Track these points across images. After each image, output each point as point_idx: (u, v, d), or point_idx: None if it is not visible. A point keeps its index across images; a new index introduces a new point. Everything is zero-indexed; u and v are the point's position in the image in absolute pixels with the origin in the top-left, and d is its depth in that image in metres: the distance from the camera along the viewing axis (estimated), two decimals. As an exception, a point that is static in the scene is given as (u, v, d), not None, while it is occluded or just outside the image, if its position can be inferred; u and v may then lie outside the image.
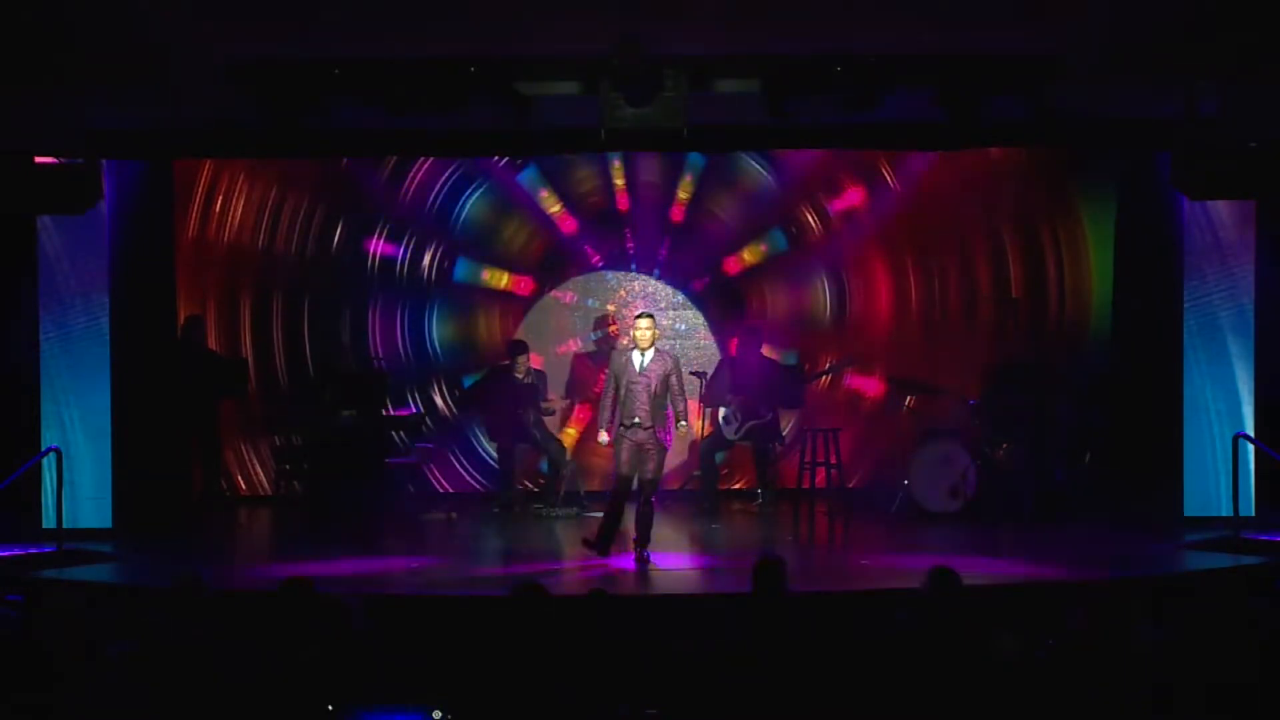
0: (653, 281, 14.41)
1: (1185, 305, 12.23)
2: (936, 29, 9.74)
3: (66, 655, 6.53)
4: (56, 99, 10.45)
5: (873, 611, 8.40)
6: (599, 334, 14.36)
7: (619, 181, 14.25)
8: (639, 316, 10.45)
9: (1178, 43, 9.63)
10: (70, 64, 9.77)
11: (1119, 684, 6.23)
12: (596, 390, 12.75)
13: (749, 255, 14.45)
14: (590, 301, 14.46)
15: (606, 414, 10.39)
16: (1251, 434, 11.93)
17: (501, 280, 14.35)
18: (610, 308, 14.43)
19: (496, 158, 13.87)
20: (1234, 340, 12.19)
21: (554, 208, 14.30)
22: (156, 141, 11.78)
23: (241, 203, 13.99)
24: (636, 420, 10.13)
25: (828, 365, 13.97)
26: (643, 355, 10.22)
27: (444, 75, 10.34)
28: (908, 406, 13.74)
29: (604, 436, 10.41)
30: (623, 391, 10.20)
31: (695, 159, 14.09)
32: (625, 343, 10.31)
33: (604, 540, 10.26)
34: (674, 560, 10.53)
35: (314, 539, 11.86)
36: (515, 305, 14.36)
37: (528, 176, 14.19)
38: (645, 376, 10.15)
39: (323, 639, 6.59)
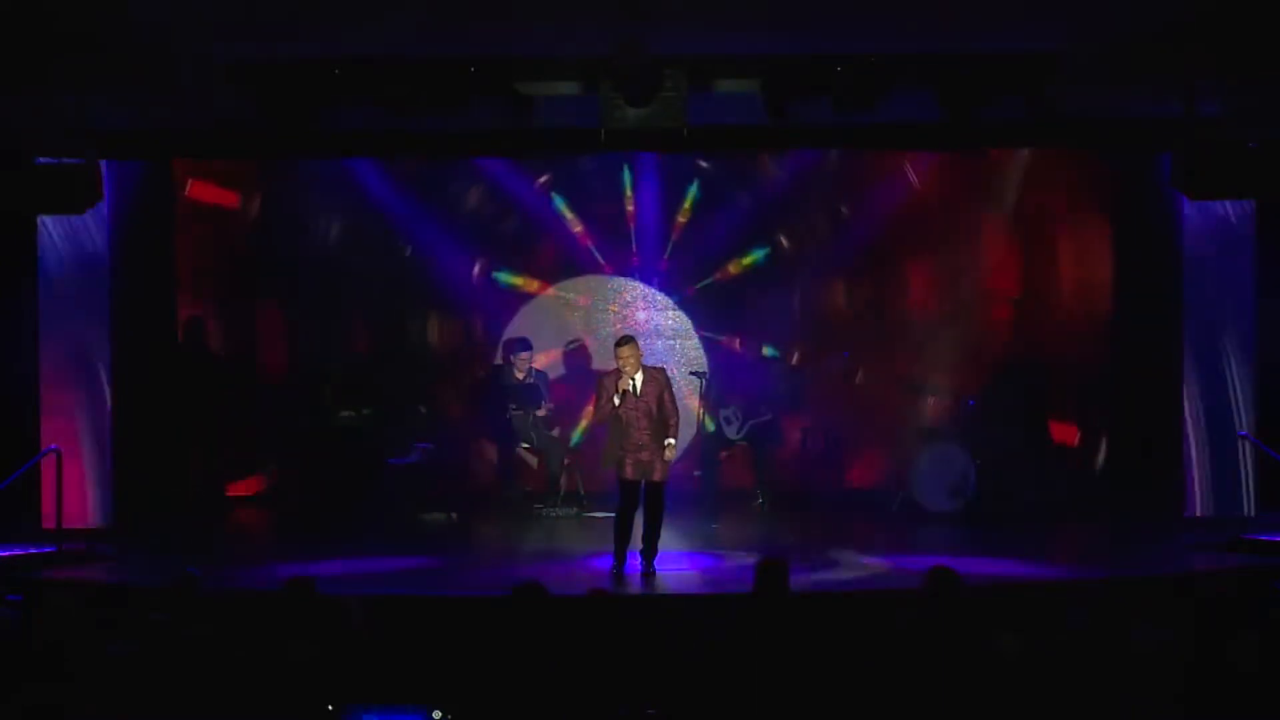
0: (654, 280, 14.38)
1: (1185, 306, 12.23)
2: (936, 29, 9.74)
3: (66, 655, 6.53)
4: (56, 99, 10.44)
5: (873, 612, 8.40)
6: (573, 344, 14.30)
7: (624, 182, 14.21)
8: (619, 344, 10.14)
9: (1178, 43, 9.63)
10: (70, 64, 9.77)
11: (1119, 684, 6.24)
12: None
13: (751, 255, 14.42)
14: (590, 302, 14.45)
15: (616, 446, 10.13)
16: (1251, 434, 11.93)
17: (505, 279, 14.34)
18: (612, 309, 14.41)
19: (501, 159, 13.83)
20: (1234, 340, 12.18)
21: (557, 208, 14.28)
22: (156, 141, 11.78)
23: (242, 203, 13.98)
24: (640, 443, 10.06)
25: (828, 363, 13.91)
26: (634, 380, 10.12)
27: (444, 75, 10.34)
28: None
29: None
30: (623, 416, 10.10)
31: (700, 159, 14.05)
32: (614, 365, 10.15)
33: (619, 554, 10.18)
34: (674, 560, 10.52)
35: (313, 539, 11.85)
36: (515, 304, 14.35)
37: (530, 178, 14.15)
38: (643, 400, 10.05)
39: (323, 639, 6.59)
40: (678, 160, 13.88)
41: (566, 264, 14.38)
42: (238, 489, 13.97)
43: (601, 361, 13.72)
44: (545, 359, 13.99)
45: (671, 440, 10.10)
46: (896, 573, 9.88)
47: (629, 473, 10.08)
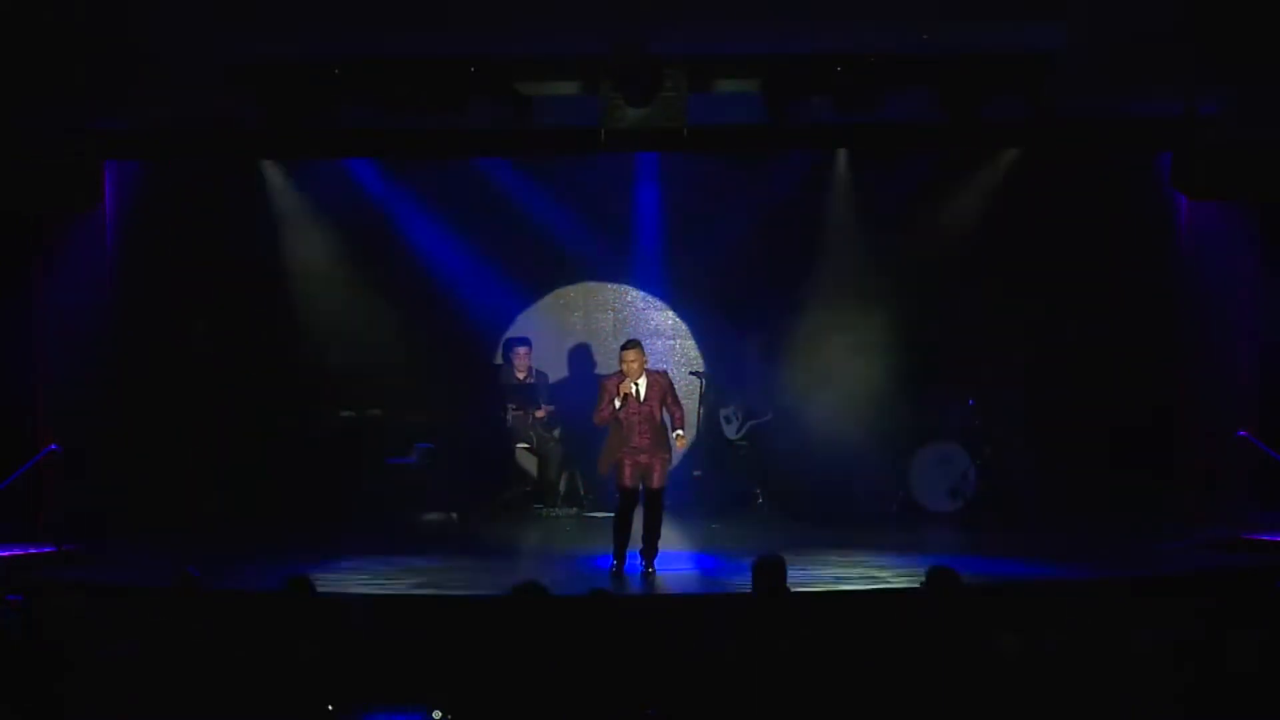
0: (653, 281, 14.36)
1: (1185, 305, 12.21)
2: (936, 29, 9.75)
3: (66, 655, 6.54)
4: (57, 99, 10.45)
5: (873, 612, 8.41)
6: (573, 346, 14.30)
7: (624, 182, 14.18)
8: (624, 348, 10.18)
9: (1178, 43, 9.64)
10: (71, 64, 9.78)
11: (1119, 684, 6.24)
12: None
13: (750, 255, 14.36)
14: (590, 302, 14.41)
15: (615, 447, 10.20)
16: (1251, 434, 11.92)
17: (501, 280, 14.31)
18: (610, 312, 14.38)
19: (499, 158, 13.80)
20: (1234, 340, 12.17)
21: (557, 210, 14.23)
22: (156, 141, 11.78)
23: (242, 203, 13.95)
24: (640, 447, 10.07)
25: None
26: (637, 385, 10.12)
27: (444, 75, 10.34)
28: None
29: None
30: (624, 420, 10.13)
31: (699, 161, 14.02)
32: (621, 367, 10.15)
33: (619, 553, 10.19)
34: (674, 560, 10.52)
35: (314, 539, 11.84)
36: (514, 305, 14.31)
37: (529, 177, 14.12)
38: (646, 405, 10.07)
39: (323, 639, 6.60)
40: (679, 161, 13.83)
41: (567, 265, 14.33)
42: (236, 489, 13.93)
43: (601, 362, 13.71)
44: (545, 360, 13.96)
45: (681, 431, 10.19)
46: (896, 573, 9.87)
47: (627, 477, 10.09)
